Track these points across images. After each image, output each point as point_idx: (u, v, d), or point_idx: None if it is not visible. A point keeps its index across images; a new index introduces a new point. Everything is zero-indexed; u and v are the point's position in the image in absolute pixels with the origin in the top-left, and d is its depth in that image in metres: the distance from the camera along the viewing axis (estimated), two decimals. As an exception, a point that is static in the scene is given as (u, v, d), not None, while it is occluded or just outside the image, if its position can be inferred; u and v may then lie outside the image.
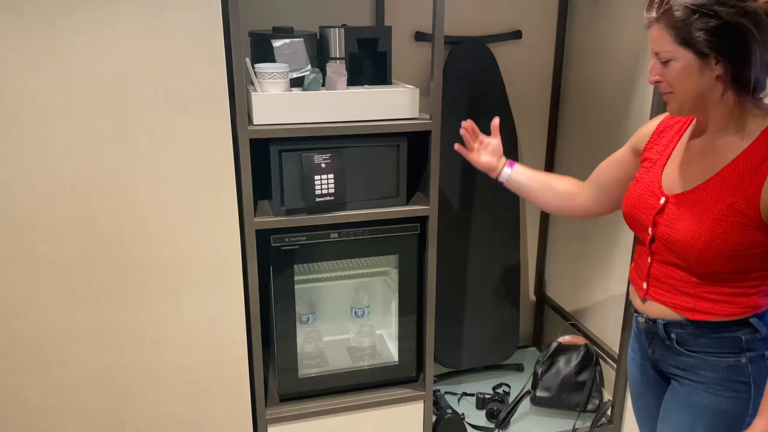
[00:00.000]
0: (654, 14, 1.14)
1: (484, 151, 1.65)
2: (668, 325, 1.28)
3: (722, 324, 1.22)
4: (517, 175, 1.61)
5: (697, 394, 1.27)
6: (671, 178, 1.25)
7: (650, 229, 1.27)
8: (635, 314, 1.39)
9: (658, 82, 1.18)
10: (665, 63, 1.15)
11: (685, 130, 1.28)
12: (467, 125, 1.66)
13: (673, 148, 1.28)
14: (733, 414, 1.23)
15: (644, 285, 1.32)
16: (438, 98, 1.71)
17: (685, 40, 1.10)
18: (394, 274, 2.02)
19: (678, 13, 1.10)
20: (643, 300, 1.33)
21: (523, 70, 2.38)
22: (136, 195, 1.54)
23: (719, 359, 1.23)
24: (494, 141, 1.65)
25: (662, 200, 1.24)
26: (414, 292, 1.93)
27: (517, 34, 2.33)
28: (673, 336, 1.29)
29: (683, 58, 1.12)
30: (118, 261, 1.56)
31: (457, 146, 1.69)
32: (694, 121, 1.26)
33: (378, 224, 1.82)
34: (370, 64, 1.83)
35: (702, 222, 1.17)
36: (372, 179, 1.77)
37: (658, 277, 1.29)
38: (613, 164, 1.46)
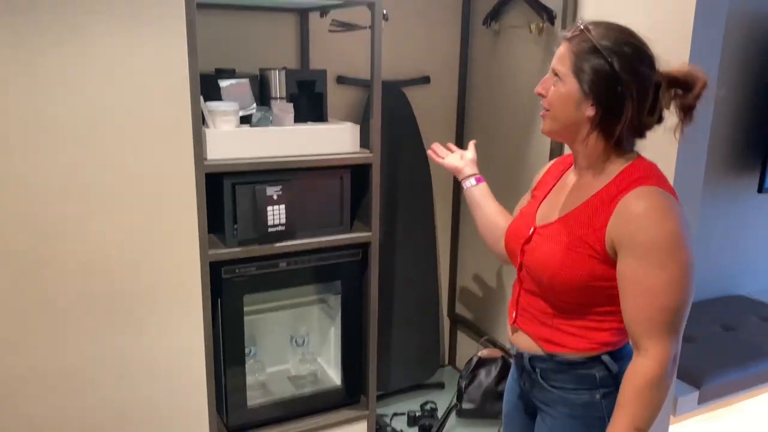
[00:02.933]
0: (568, 35, 1.19)
1: (453, 156, 1.64)
2: (533, 359, 1.33)
3: (578, 362, 1.27)
4: (477, 191, 1.57)
5: (555, 430, 1.31)
6: (543, 211, 1.32)
7: (518, 256, 1.33)
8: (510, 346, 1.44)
9: (541, 95, 1.23)
10: (557, 80, 1.20)
11: (566, 169, 1.36)
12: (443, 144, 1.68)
13: (554, 185, 1.36)
14: None
15: (513, 314, 1.37)
16: (377, 134, 1.88)
17: (577, 69, 1.16)
18: (332, 301, 2.13)
19: (584, 44, 1.15)
20: (513, 330, 1.38)
21: (433, 110, 2.63)
22: (100, 229, 1.54)
23: (576, 396, 1.27)
24: (469, 154, 1.62)
25: (531, 230, 1.31)
26: (355, 316, 2.05)
27: (426, 79, 2.58)
28: (537, 370, 1.33)
29: (570, 85, 1.17)
30: (81, 295, 1.54)
31: (429, 152, 1.69)
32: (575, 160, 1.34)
33: (323, 252, 1.93)
34: (307, 103, 1.97)
35: (555, 251, 1.23)
36: (318, 209, 1.88)
37: (524, 306, 1.34)
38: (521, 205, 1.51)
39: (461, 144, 2.70)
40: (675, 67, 1.18)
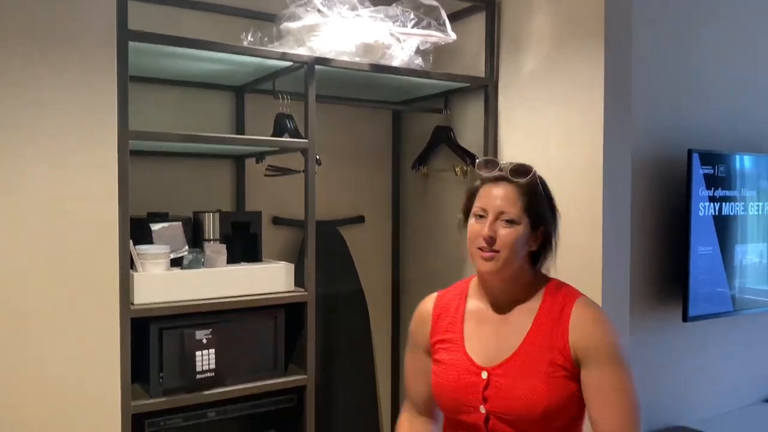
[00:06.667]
0: (506, 174, 1.22)
1: None
2: None
3: None
4: None
5: None
6: (479, 352, 1.24)
7: (482, 406, 1.21)
8: None
9: (491, 239, 1.20)
10: (508, 222, 1.20)
11: (463, 306, 1.30)
12: None
13: (462, 325, 1.28)
14: None
15: None
16: (312, 272, 1.88)
17: (530, 207, 1.21)
18: (265, 453, 1.99)
19: (533, 182, 1.22)
20: None
21: (368, 249, 2.68)
22: (10, 378, 1.42)
23: None
24: None
25: (484, 374, 1.22)
26: (290, 468, 1.92)
27: (360, 219, 2.65)
28: None
29: (523, 223, 1.20)
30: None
31: None
32: (472, 294, 1.31)
33: (256, 398, 1.83)
34: (242, 244, 1.97)
35: (536, 385, 1.18)
36: (251, 352, 1.82)
37: None
38: (420, 376, 1.35)
39: (398, 284, 2.72)
40: None
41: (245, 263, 1.91)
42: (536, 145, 2.06)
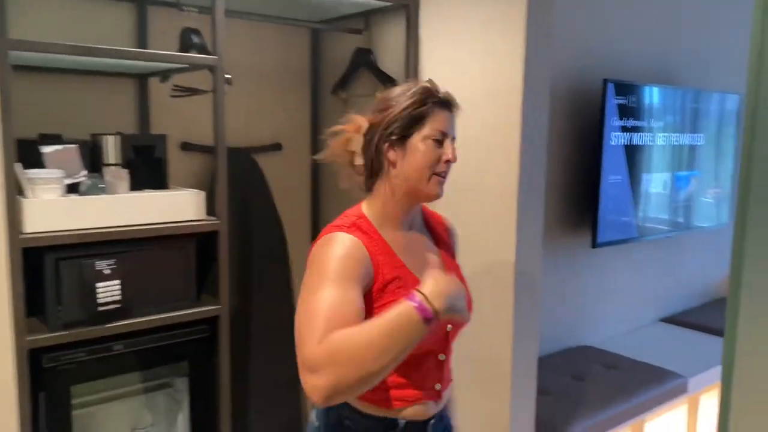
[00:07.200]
0: (453, 101, 1.25)
1: None
2: (445, 409, 1.34)
3: None
4: None
5: None
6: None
7: (449, 326, 1.26)
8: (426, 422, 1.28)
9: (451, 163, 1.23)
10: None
11: (381, 239, 1.25)
12: None
13: (398, 259, 1.25)
14: None
15: (438, 386, 1.29)
16: (224, 200, 1.79)
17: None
18: (178, 384, 1.94)
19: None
20: (437, 402, 1.29)
21: (286, 178, 2.59)
22: None
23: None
24: None
25: None
26: (206, 400, 1.88)
27: (277, 146, 2.55)
28: (447, 417, 1.35)
29: None
30: None
31: None
32: (378, 225, 1.27)
33: (165, 330, 1.76)
34: (147, 170, 1.84)
35: (465, 289, 1.23)
36: (160, 283, 1.73)
37: (448, 369, 1.31)
38: (352, 306, 1.14)
39: (317, 215, 2.66)
40: None
41: (150, 190, 1.79)
42: (457, 68, 2.02)
